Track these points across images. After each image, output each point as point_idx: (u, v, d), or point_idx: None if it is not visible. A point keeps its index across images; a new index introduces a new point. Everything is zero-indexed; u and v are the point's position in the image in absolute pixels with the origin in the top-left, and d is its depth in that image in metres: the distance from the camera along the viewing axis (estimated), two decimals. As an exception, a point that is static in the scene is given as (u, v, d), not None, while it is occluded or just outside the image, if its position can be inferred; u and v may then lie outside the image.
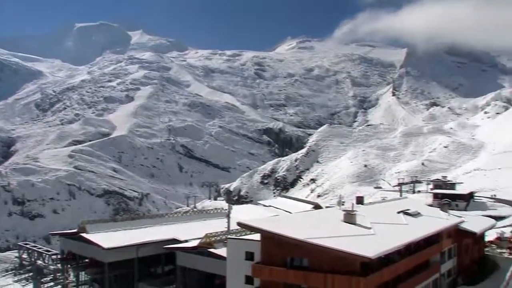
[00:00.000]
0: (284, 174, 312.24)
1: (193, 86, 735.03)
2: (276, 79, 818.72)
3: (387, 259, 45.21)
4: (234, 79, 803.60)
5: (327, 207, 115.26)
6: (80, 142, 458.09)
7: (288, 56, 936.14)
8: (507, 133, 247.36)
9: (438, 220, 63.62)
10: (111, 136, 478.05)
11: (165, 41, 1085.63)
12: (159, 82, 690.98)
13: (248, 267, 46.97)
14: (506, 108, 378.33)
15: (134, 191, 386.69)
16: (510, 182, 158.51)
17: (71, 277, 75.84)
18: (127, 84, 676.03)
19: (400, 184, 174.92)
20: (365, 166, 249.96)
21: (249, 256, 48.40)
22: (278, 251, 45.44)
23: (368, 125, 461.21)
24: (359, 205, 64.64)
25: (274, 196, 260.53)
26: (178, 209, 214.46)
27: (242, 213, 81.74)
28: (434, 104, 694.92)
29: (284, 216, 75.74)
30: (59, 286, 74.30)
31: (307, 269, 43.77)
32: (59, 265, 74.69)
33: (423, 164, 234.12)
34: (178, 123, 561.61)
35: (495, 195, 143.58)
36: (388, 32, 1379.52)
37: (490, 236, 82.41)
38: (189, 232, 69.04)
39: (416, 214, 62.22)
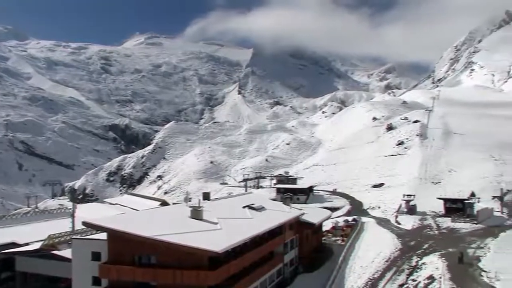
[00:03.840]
0: (130, 171, 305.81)
1: (34, 79, 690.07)
2: (123, 75, 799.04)
3: (234, 253, 46.73)
4: (79, 73, 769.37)
5: (174, 203, 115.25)
6: None
7: (136, 52, 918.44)
8: (341, 131, 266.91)
9: (281, 213, 67.02)
10: None
11: (2, 28, 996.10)
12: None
13: (95, 267, 45.65)
14: (340, 108, 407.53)
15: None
16: (344, 176, 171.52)
17: None
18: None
19: (245, 180, 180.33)
20: (212, 162, 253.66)
21: (96, 256, 47.10)
22: (126, 250, 44.79)
23: (215, 123, 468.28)
24: (206, 201, 65.83)
25: (121, 193, 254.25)
26: (17, 210, 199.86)
27: (88, 212, 78.80)
28: (278, 103, 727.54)
29: (131, 214, 74.34)
30: None
31: (155, 266, 43.78)
32: None
33: (267, 160, 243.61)
34: (17, 118, 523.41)
35: (336, 189, 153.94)
36: (237, 32, 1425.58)
37: (326, 226, 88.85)
38: (30, 235, 65.05)
39: (260, 208, 64.88)
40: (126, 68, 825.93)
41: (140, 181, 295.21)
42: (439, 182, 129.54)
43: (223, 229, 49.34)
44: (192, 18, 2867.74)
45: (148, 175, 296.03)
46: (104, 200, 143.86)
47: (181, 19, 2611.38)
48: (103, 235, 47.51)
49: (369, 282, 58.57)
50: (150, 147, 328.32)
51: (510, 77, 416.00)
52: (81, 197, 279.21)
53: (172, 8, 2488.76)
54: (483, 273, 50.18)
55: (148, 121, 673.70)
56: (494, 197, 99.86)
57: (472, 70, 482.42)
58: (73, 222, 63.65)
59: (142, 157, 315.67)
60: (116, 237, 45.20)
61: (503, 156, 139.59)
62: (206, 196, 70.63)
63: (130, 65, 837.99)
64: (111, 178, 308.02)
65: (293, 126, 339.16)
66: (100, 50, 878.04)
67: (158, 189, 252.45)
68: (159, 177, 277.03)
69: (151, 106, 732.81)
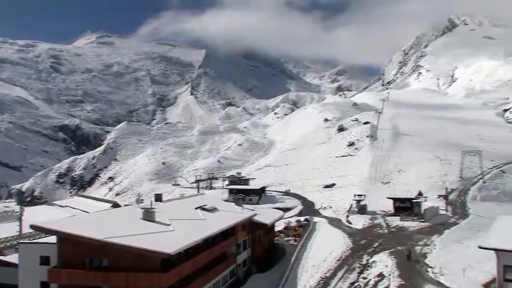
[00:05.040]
0: (81, 173, 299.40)
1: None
2: (74, 74, 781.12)
3: (187, 254, 46.63)
4: (27, 72, 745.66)
5: (125, 205, 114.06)
6: None
7: (87, 51, 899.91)
8: (292, 132, 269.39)
9: (233, 214, 67.27)
10: None
11: None
12: None
13: (44, 272, 44.53)
14: (292, 110, 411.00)
15: None
16: (296, 177, 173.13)
17: None
18: None
19: (197, 181, 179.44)
20: (164, 163, 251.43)
21: (45, 260, 46.06)
22: (77, 253, 43.94)
23: (167, 123, 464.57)
24: (158, 202, 65.35)
25: (71, 195, 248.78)
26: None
27: (36, 215, 77.03)
28: (230, 104, 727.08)
29: (82, 216, 73.01)
30: None
31: (107, 269, 43.12)
32: None
33: (219, 161, 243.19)
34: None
35: (289, 190, 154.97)
36: (190, 33, 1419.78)
37: (279, 226, 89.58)
38: (-28, 240, 62.77)
39: (213, 209, 64.94)
40: (77, 68, 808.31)
41: (91, 182, 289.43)
42: (389, 182, 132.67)
43: (176, 231, 49.19)
44: (145, 18, 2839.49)
45: (99, 176, 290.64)
46: (54, 202, 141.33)
47: (134, 19, 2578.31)
48: (52, 239, 46.42)
49: (321, 281, 59.46)
50: (101, 148, 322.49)
51: (454, 81, 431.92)
52: (29, 199, 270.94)
53: (124, 8, 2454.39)
54: (429, 269, 52.06)
55: (99, 122, 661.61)
56: (439, 196, 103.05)
57: (420, 73, 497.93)
58: (20, 225, 62.05)
59: (93, 158, 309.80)
60: (66, 240, 44.34)
61: (448, 156, 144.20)
62: (158, 198, 70.12)
63: (81, 65, 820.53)
64: (61, 180, 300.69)
65: (245, 127, 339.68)
66: (50, 48, 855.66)
67: (110, 190, 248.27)
68: (111, 178, 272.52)
69: (102, 107, 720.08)
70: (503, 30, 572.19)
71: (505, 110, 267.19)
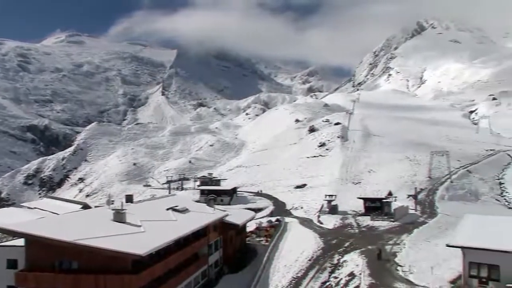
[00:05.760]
0: (50, 174, 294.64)
1: None
2: (43, 73, 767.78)
3: (158, 255, 46.33)
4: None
5: (96, 206, 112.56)
6: None
7: (57, 50, 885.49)
8: (264, 133, 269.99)
9: (205, 215, 67.07)
10: None
11: None
12: None
13: (11, 276, 43.55)
14: (264, 110, 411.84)
15: None
16: (267, 177, 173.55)
17: None
18: None
19: (168, 182, 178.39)
20: (135, 164, 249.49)
21: (12, 264, 45.35)
22: (45, 256, 43.09)
23: (138, 124, 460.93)
24: (129, 203, 64.72)
25: (40, 197, 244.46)
26: None
27: (4, 217, 75.18)
28: (201, 104, 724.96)
29: (51, 218, 71.54)
30: None
31: (77, 271, 42.46)
32: None
33: (190, 162, 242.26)
34: None
35: (261, 190, 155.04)
36: (162, 33, 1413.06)
37: (250, 226, 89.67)
38: None
39: (184, 210, 64.66)
40: (46, 67, 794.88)
41: (60, 184, 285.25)
42: (359, 182, 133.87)
43: (147, 232, 48.80)
44: (117, 17, 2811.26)
45: (69, 177, 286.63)
46: (22, 204, 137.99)
47: (105, 19, 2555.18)
48: (20, 241, 45.62)
49: (293, 281, 59.71)
50: (71, 149, 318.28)
51: (423, 83, 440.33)
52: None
53: (95, 7, 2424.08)
54: (398, 268, 52.76)
55: (69, 122, 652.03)
56: (409, 195, 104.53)
57: (390, 75, 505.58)
58: (-14, 228, 60.53)
59: (63, 159, 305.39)
60: (35, 243, 43.49)
61: (417, 157, 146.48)
62: (129, 199, 69.40)
63: (50, 64, 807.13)
64: (30, 181, 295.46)
65: (216, 128, 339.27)
66: (17, 46, 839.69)
67: (80, 192, 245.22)
68: (81, 179, 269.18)
69: (72, 107, 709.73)
70: (469, 35, 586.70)
71: (471, 112, 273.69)
